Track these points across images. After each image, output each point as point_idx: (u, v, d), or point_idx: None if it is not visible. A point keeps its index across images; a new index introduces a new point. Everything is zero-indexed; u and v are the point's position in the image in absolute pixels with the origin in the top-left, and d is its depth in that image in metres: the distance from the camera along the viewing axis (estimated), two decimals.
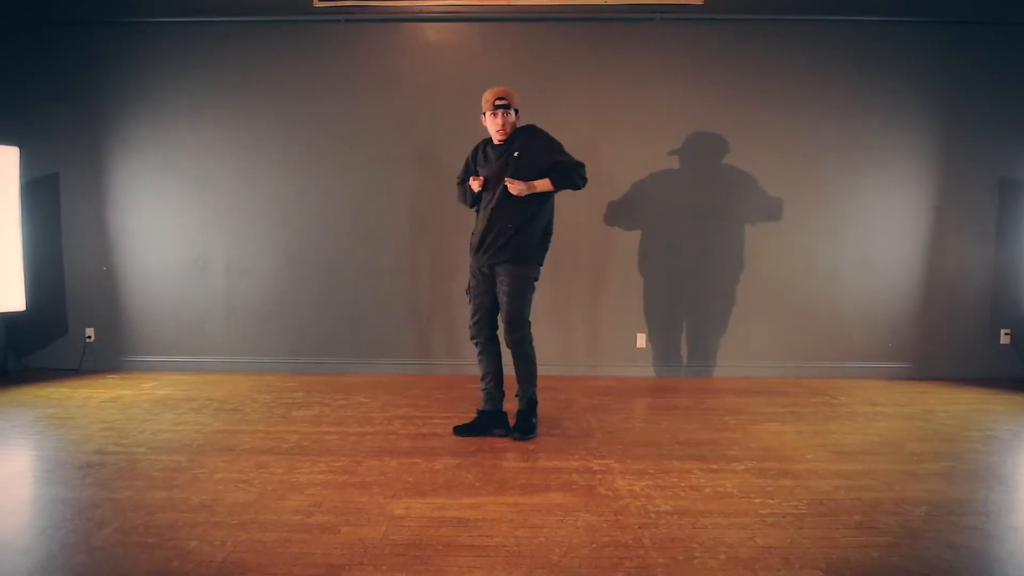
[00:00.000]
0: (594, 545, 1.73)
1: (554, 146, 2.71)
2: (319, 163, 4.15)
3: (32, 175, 4.15)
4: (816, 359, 4.15)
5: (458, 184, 2.89)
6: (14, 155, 3.91)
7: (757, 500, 2.05)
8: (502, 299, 2.69)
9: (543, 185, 2.64)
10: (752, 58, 4.03)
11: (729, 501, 2.05)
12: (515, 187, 2.58)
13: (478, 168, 2.78)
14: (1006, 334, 4.14)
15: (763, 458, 2.48)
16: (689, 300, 4.14)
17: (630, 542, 1.75)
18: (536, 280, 2.79)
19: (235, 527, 1.82)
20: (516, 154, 2.66)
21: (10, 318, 4.15)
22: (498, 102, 2.62)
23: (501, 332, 2.80)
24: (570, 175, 2.67)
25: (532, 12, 4.01)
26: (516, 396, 2.81)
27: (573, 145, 3.74)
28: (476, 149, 2.84)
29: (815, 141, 4.07)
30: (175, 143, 4.16)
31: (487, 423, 2.75)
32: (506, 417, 2.78)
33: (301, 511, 1.94)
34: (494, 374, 2.80)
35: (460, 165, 2.91)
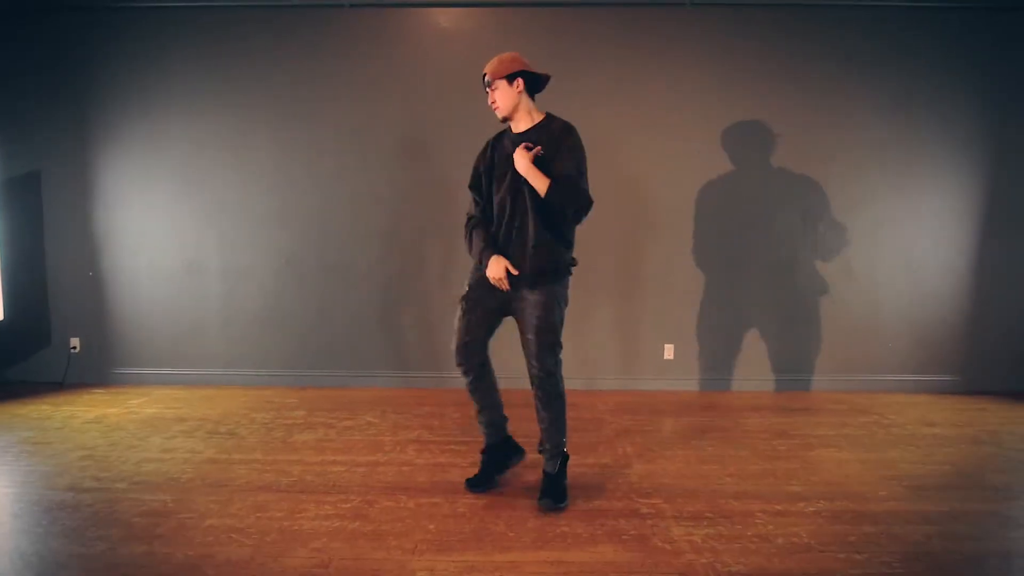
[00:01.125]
0: None
1: (576, 158, 2.11)
2: (320, 159, 3.84)
3: (11, 173, 3.84)
4: (856, 372, 3.85)
5: (467, 223, 2.25)
6: None
7: (842, 555, 1.75)
8: (531, 322, 2.10)
9: (539, 182, 2.03)
10: (792, 48, 3.71)
11: (809, 556, 1.74)
12: (523, 160, 2.02)
13: (491, 171, 2.19)
14: None
15: (831, 495, 2.17)
16: (720, 308, 3.83)
17: None
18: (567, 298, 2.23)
19: None
20: (541, 151, 2.10)
21: None
22: (483, 79, 2.14)
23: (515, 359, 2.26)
24: (571, 197, 2.03)
25: None
26: (540, 451, 2.23)
27: (596, 141, 3.39)
28: (480, 156, 2.26)
29: (856, 137, 3.76)
30: (165, 138, 3.85)
31: (501, 459, 2.29)
32: (514, 441, 2.33)
33: (306, 572, 1.62)
34: (493, 403, 2.26)
35: (471, 166, 2.30)
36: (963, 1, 3.65)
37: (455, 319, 2.19)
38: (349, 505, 2.06)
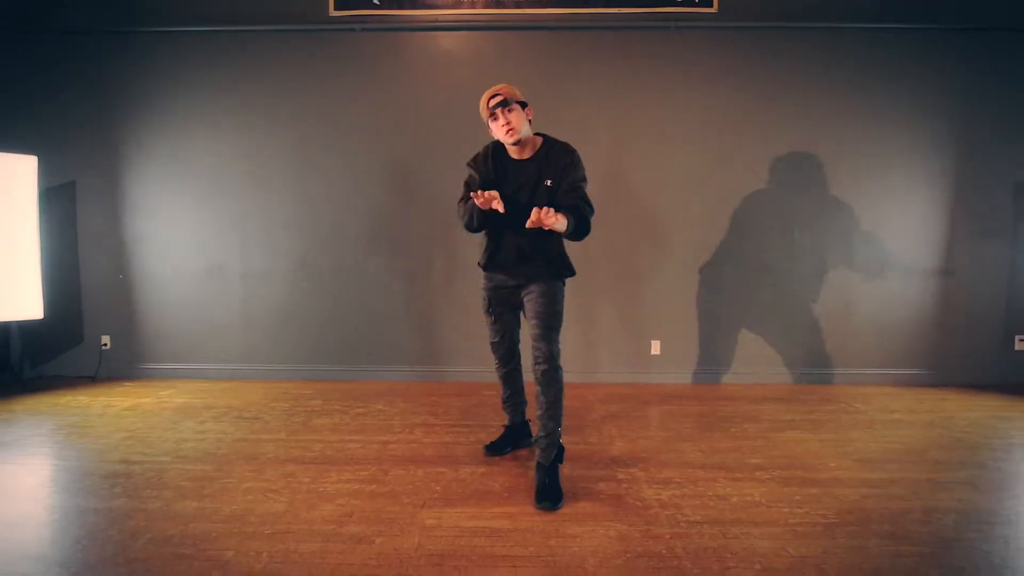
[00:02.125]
0: (628, 555, 1.73)
1: (581, 170, 2.26)
2: (334, 170, 4.17)
3: (49, 183, 4.18)
4: (830, 366, 4.16)
5: (461, 202, 2.35)
6: (32, 164, 3.93)
7: (786, 509, 2.06)
8: (537, 309, 2.28)
9: (560, 225, 2.08)
10: (766, 65, 4.05)
11: (758, 510, 2.05)
12: (547, 219, 2.00)
13: (495, 179, 2.27)
14: (1021, 340, 4.13)
15: (787, 466, 2.48)
16: (703, 307, 4.15)
17: (663, 552, 1.75)
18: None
19: (270, 537, 1.83)
20: (548, 183, 2.20)
21: (25, 326, 4.18)
22: (493, 101, 2.19)
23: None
24: (585, 227, 2.21)
25: (548, 21, 4.04)
26: (536, 442, 2.29)
27: (591, 152, 3.72)
28: (482, 157, 2.34)
29: (829, 147, 4.08)
30: (191, 151, 4.19)
31: (516, 437, 2.69)
32: (529, 427, 2.67)
33: (333, 521, 1.94)
34: (518, 390, 2.67)
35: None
36: (927, 23, 3.98)
37: (488, 325, 2.53)
38: (366, 473, 2.38)
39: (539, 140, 2.30)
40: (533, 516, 1.99)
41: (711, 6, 3.99)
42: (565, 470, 2.39)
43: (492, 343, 2.56)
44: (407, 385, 4.02)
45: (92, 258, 4.28)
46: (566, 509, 2.05)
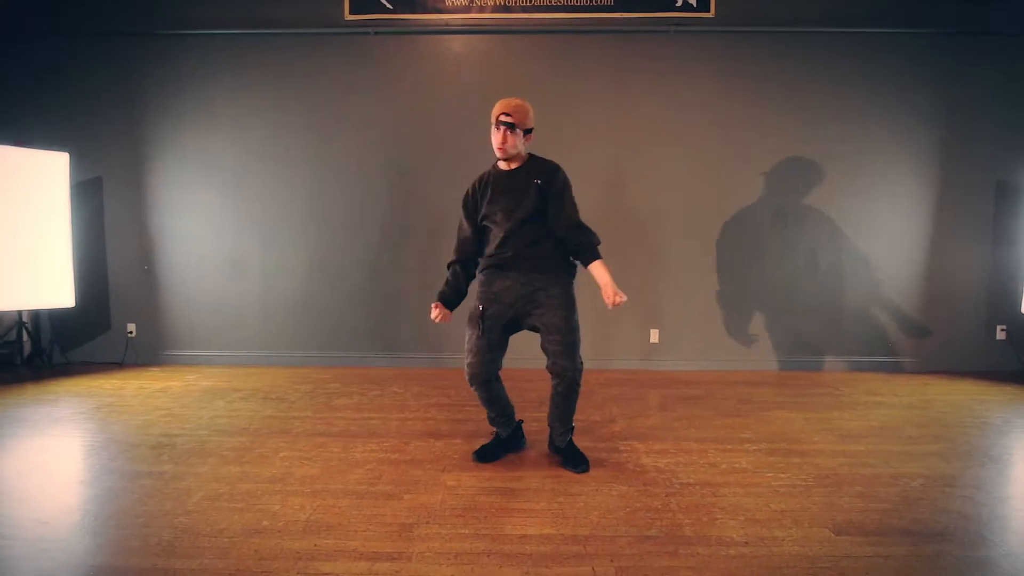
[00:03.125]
0: (628, 509, 1.96)
1: (571, 199, 2.38)
2: (350, 167, 4.39)
3: (78, 178, 4.39)
4: (820, 354, 4.38)
5: (451, 265, 2.46)
6: (64, 160, 4.15)
7: (769, 474, 2.29)
8: (556, 323, 2.25)
9: (607, 273, 2.34)
10: (761, 69, 4.26)
11: (744, 475, 2.28)
12: (619, 299, 2.26)
13: (486, 205, 2.33)
14: (1002, 330, 4.36)
15: (773, 440, 2.71)
16: (700, 297, 4.38)
17: (659, 507, 1.98)
18: None
19: (310, 495, 2.06)
20: (538, 182, 2.28)
21: (56, 314, 4.41)
22: (502, 117, 2.24)
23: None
24: (590, 243, 2.37)
25: (553, 25, 4.25)
26: (553, 429, 2.42)
27: (594, 149, 4.01)
28: (470, 195, 2.40)
29: (821, 146, 4.30)
30: (213, 149, 4.41)
31: (510, 446, 2.53)
32: (522, 430, 2.61)
33: (364, 482, 2.17)
34: (503, 405, 2.46)
35: (474, 176, 2.46)
36: (915, 27, 4.19)
37: (468, 339, 2.33)
38: (389, 444, 2.61)
39: (527, 156, 2.38)
40: (543, 478, 2.22)
41: (708, 11, 4.20)
42: None
43: (468, 364, 2.32)
44: (419, 371, 4.24)
45: (118, 250, 4.51)
46: (570, 474, 2.28)
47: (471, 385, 2.36)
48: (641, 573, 1.58)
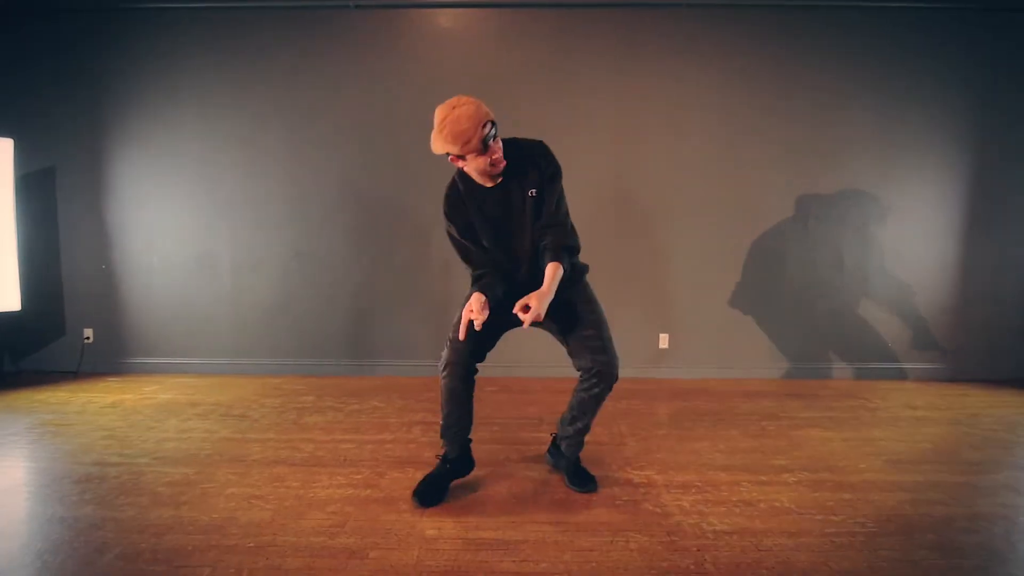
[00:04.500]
0: (653, 572, 1.56)
1: (561, 209, 1.99)
2: (328, 156, 3.97)
3: (27, 168, 3.96)
4: (845, 360, 3.99)
5: (475, 280, 2.01)
6: (8, 147, 3.72)
7: (819, 517, 1.88)
8: (589, 317, 2.02)
9: (555, 284, 1.87)
10: (781, 46, 3.86)
11: (789, 518, 1.88)
12: (532, 316, 1.80)
13: (483, 226, 1.99)
14: None
15: (814, 468, 2.31)
16: (714, 299, 3.97)
17: (692, 567, 1.58)
18: None
19: (251, 551, 1.64)
20: (532, 193, 1.93)
21: (4, 318, 3.97)
22: (489, 130, 1.79)
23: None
24: (569, 252, 1.96)
25: None
26: (568, 450, 2.17)
27: (596, 139, 3.56)
28: (451, 205, 2.01)
29: (845, 133, 3.90)
30: (178, 135, 3.98)
31: (458, 472, 2.10)
32: (471, 453, 2.14)
33: (323, 532, 1.76)
34: (468, 412, 2.05)
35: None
36: (954, 2, 3.79)
37: (458, 319, 1.94)
38: (360, 476, 2.19)
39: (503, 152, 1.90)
40: (542, 526, 1.81)
41: None
42: None
43: (453, 345, 1.95)
44: (405, 380, 3.83)
45: (73, 248, 4.07)
46: (579, 518, 1.87)
47: (446, 372, 1.96)
48: None
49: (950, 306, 3.99)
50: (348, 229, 3.99)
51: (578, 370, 2.05)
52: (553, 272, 1.88)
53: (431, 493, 1.98)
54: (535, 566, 1.58)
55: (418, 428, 2.80)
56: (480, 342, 1.97)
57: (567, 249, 1.94)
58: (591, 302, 2.07)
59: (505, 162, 1.88)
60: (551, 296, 1.85)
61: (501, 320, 1.96)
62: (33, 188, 3.99)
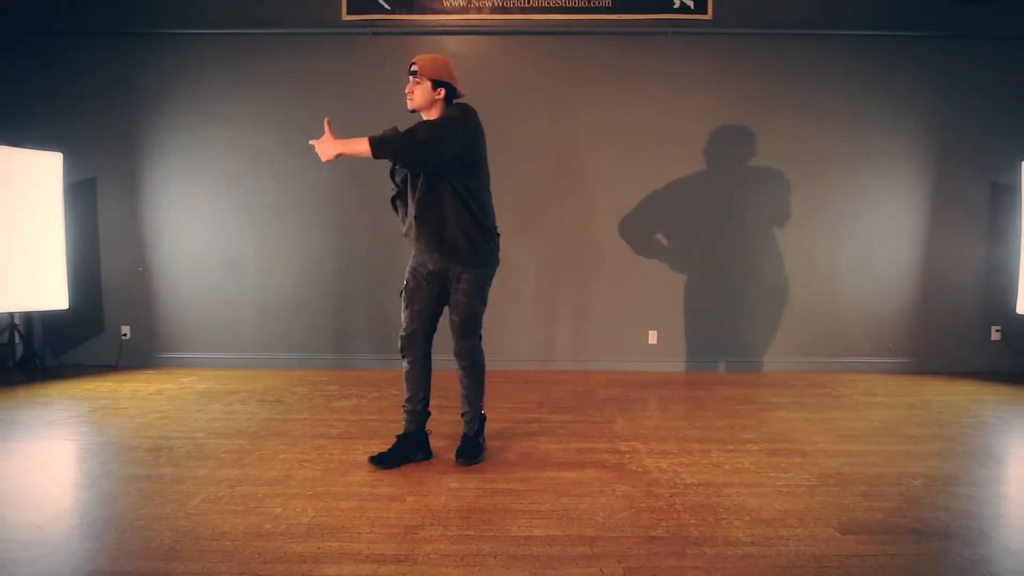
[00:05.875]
0: (632, 510, 1.95)
1: (436, 123, 2.27)
2: (347, 168, 4.36)
3: (72, 179, 4.35)
4: (817, 355, 4.39)
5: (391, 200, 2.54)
6: (58, 160, 4.11)
7: (772, 474, 2.28)
8: (459, 307, 2.35)
9: (357, 146, 2.23)
10: (758, 71, 4.29)
11: (748, 475, 2.28)
12: (323, 149, 2.27)
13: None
14: (997, 331, 4.39)
15: (775, 440, 2.71)
16: (698, 298, 4.38)
17: (664, 507, 1.97)
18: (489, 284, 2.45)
19: (311, 497, 2.03)
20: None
21: (47, 316, 4.35)
22: (411, 67, 2.29)
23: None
24: (402, 138, 2.21)
25: (549, 27, 4.25)
26: (463, 416, 2.48)
27: (590, 149, 3.98)
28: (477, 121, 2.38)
29: (816, 147, 4.32)
30: (208, 148, 4.38)
31: (410, 447, 2.40)
32: (428, 440, 2.48)
33: (367, 484, 2.15)
34: (425, 392, 2.44)
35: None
36: (910, 30, 4.22)
37: (402, 301, 2.43)
38: (390, 445, 2.57)
39: (443, 109, 2.33)
40: (546, 479, 2.21)
41: (706, 13, 4.22)
42: (572, 444, 2.63)
43: (400, 336, 2.43)
44: None
45: (112, 251, 4.46)
46: (574, 474, 2.27)
47: (403, 355, 2.42)
48: (649, 574, 1.57)
49: (915, 304, 4.40)
50: (364, 234, 4.38)
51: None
52: (360, 140, 2.22)
53: (382, 459, 2.33)
54: (539, 506, 1.97)
55: (434, 410, 3.15)
56: (417, 326, 2.40)
57: (385, 140, 2.22)
58: (472, 296, 2.35)
59: (410, 102, 2.33)
60: (344, 148, 2.27)
61: (429, 303, 2.39)
62: (77, 197, 4.38)
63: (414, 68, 2.28)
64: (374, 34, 4.29)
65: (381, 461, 2.32)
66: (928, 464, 2.41)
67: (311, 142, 2.32)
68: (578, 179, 4.33)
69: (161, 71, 4.34)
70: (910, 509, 1.97)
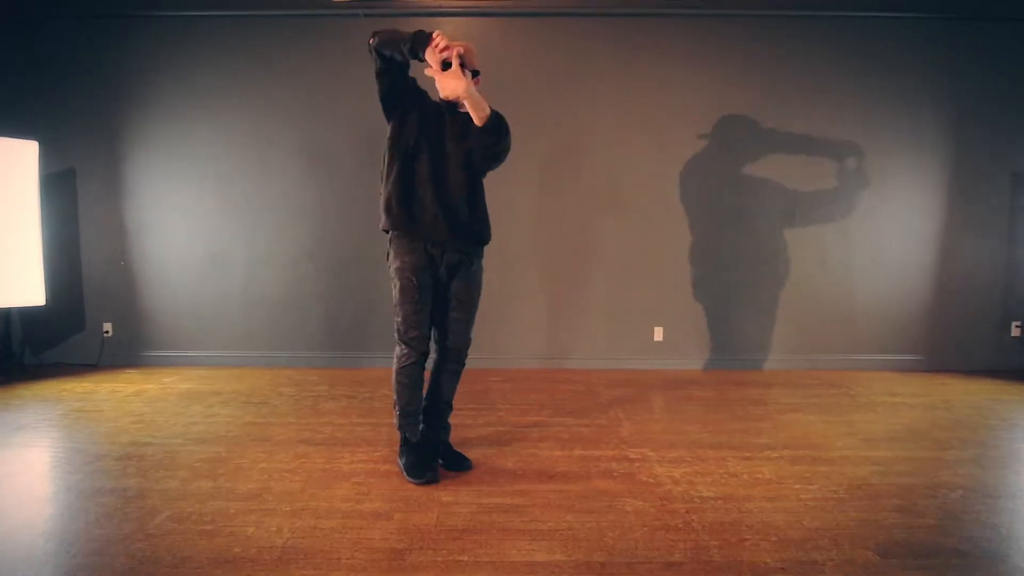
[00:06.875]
0: (645, 529, 1.76)
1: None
2: (337, 157, 4.16)
3: (49, 170, 4.14)
4: (830, 352, 4.20)
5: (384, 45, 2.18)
6: (33, 149, 3.90)
7: (797, 486, 2.09)
8: (473, 293, 2.17)
9: (481, 103, 2.00)
10: (767, 54, 4.07)
11: (769, 487, 2.08)
12: (451, 84, 1.96)
13: (415, 112, 2.20)
14: (1016, 327, 4.19)
15: (795, 446, 2.52)
16: (706, 295, 4.18)
17: (680, 526, 1.78)
18: None
19: (289, 514, 1.84)
20: (463, 146, 2.14)
21: (27, 313, 4.15)
22: (472, 70, 2.09)
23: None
24: (504, 130, 2.07)
25: (549, 8, 4.03)
26: (443, 426, 2.31)
27: (593, 139, 3.77)
28: (423, 95, 2.22)
29: (829, 137, 4.11)
30: (193, 137, 4.16)
31: (435, 454, 2.24)
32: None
33: (351, 498, 1.96)
34: (420, 396, 2.25)
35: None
36: (925, 12, 4.00)
37: (405, 304, 2.12)
38: (379, 453, 2.39)
39: None
40: (548, 493, 2.01)
41: None
42: (576, 451, 2.43)
43: (412, 334, 2.13)
44: None
45: (93, 245, 4.25)
46: (579, 487, 2.07)
47: (412, 349, 2.15)
48: None
49: (930, 301, 4.20)
50: (354, 228, 4.17)
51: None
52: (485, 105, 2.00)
53: (425, 469, 2.11)
54: (542, 525, 1.78)
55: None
56: (426, 320, 2.16)
57: (502, 119, 2.07)
58: (479, 286, 2.22)
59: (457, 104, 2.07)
60: (470, 98, 1.98)
61: (429, 292, 2.15)
62: (54, 188, 4.17)
63: (466, 69, 2.05)
64: (366, 16, 4.07)
65: (417, 471, 2.09)
66: (963, 473, 2.22)
67: (428, 71, 2.00)
68: (578, 170, 4.12)
69: (143, 56, 4.12)
70: (953, 527, 1.78)
